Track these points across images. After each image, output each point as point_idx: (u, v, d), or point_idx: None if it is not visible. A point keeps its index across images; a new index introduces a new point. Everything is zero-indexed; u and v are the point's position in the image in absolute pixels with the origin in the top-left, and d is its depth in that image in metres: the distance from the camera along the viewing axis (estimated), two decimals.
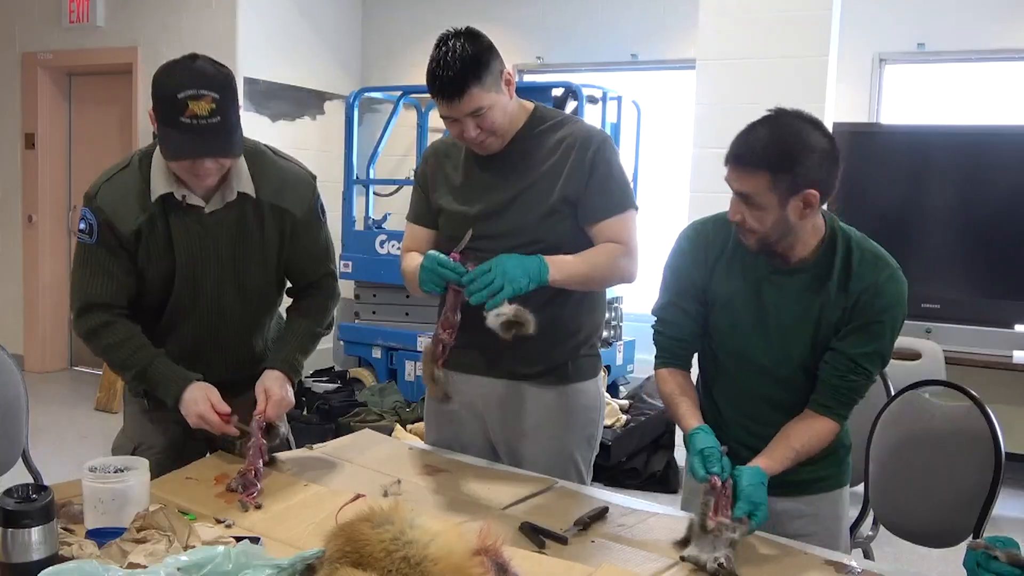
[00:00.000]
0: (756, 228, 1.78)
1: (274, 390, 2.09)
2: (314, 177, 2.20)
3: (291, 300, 2.30)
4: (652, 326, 2.03)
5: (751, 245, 1.83)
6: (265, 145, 2.17)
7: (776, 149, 1.72)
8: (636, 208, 2.16)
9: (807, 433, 1.83)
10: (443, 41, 2.00)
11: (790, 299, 1.85)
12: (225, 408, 2.03)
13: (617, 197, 2.11)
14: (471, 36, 2.01)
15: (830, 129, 4.42)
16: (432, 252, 2.01)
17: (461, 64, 1.96)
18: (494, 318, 1.91)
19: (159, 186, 2.01)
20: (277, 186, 2.10)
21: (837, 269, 1.83)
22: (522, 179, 2.11)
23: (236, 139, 1.96)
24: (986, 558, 1.45)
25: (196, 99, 1.86)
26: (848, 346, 1.82)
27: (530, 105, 2.19)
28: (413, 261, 2.14)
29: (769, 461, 1.77)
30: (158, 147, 1.99)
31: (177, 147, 1.93)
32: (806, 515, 1.91)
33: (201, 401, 2.02)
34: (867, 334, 1.81)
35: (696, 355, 2.03)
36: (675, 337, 1.98)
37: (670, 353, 1.99)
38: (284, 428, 2.32)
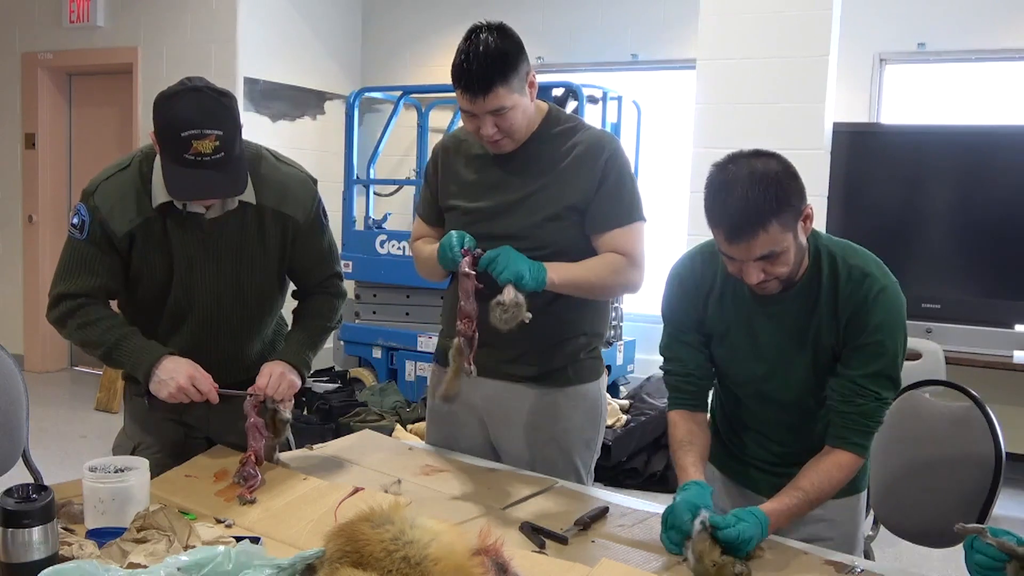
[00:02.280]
0: (783, 273, 1.73)
1: (276, 369, 2.08)
2: (315, 181, 2.19)
3: (297, 302, 2.30)
4: (661, 367, 2.00)
5: (774, 289, 1.77)
6: (266, 149, 2.16)
7: (765, 196, 1.65)
8: (644, 220, 2.14)
9: (817, 471, 1.76)
10: (474, 33, 1.98)
11: (783, 326, 1.83)
12: (208, 379, 2.00)
13: (626, 208, 2.11)
14: (502, 32, 1.99)
15: (831, 129, 4.42)
16: (455, 232, 2.02)
17: (490, 61, 1.94)
18: (494, 307, 1.90)
19: (160, 194, 2.00)
20: (278, 192, 2.10)
21: (824, 290, 1.79)
22: (532, 181, 2.11)
23: (240, 173, 1.96)
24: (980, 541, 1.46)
25: (200, 138, 1.86)
26: (849, 369, 1.78)
27: (544, 106, 2.18)
28: (427, 245, 2.18)
29: (771, 504, 1.72)
30: (162, 179, 1.97)
31: (182, 187, 1.93)
32: (822, 520, 1.87)
33: (182, 370, 1.98)
34: (866, 355, 1.76)
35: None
36: (683, 373, 1.94)
37: (681, 392, 1.95)
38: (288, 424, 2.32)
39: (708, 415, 1.98)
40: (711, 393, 2.04)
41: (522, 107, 2.03)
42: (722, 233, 1.70)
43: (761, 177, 1.66)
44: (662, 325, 2.00)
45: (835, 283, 1.78)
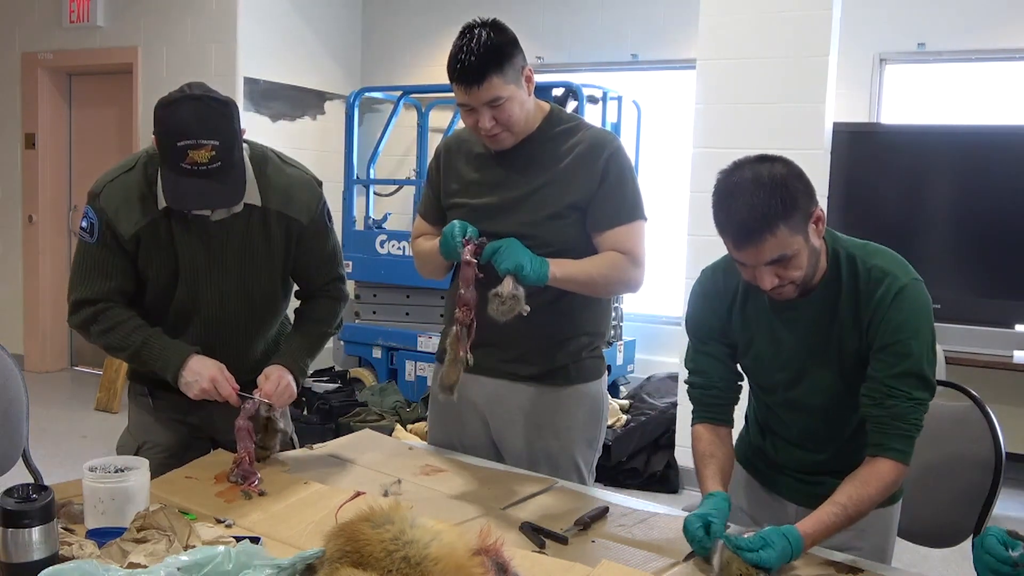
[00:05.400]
0: (797, 276, 1.71)
1: (284, 377, 2.09)
2: (320, 183, 2.20)
3: (300, 302, 2.31)
4: (685, 381, 1.98)
5: (791, 294, 1.75)
6: (272, 151, 2.16)
7: (770, 200, 1.64)
8: (645, 219, 2.15)
9: (855, 484, 1.70)
10: (468, 29, 2.01)
11: (804, 331, 1.81)
12: (234, 382, 2.03)
13: (627, 206, 2.11)
14: (497, 27, 2.02)
15: (831, 129, 4.40)
16: (457, 221, 2.03)
17: (484, 52, 1.97)
18: (492, 297, 1.91)
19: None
20: (283, 194, 2.10)
21: (844, 293, 1.76)
22: (533, 179, 2.11)
23: (238, 182, 1.97)
24: (995, 541, 1.47)
25: (196, 148, 1.86)
26: (877, 371, 1.73)
27: (546, 106, 2.19)
28: (428, 242, 2.19)
29: (808, 523, 1.65)
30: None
31: (178, 196, 1.94)
32: (853, 529, 1.77)
33: (206, 372, 2.01)
34: (890, 355, 1.72)
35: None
36: (706, 386, 1.92)
37: (704, 405, 1.92)
38: (289, 428, 2.33)
39: (731, 430, 1.94)
40: (748, 403, 2.03)
41: (519, 100, 2.05)
42: (730, 239, 1.69)
43: (767, 181, 1.65)
44: (688, 340, 1.98)
45: (855, 285, 1.76)
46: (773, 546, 1.57)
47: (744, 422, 2.08)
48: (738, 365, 1.95)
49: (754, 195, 1.64)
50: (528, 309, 1.91)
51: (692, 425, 1.94)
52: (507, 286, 1.90)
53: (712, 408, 1.92)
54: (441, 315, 2.35)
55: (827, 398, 1.84)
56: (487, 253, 1.96)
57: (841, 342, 1.78)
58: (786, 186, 1.66)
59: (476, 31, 1.99)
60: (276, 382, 2.06)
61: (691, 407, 1.96)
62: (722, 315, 1.90)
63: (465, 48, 1.98)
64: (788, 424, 1.92)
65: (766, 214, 1.63)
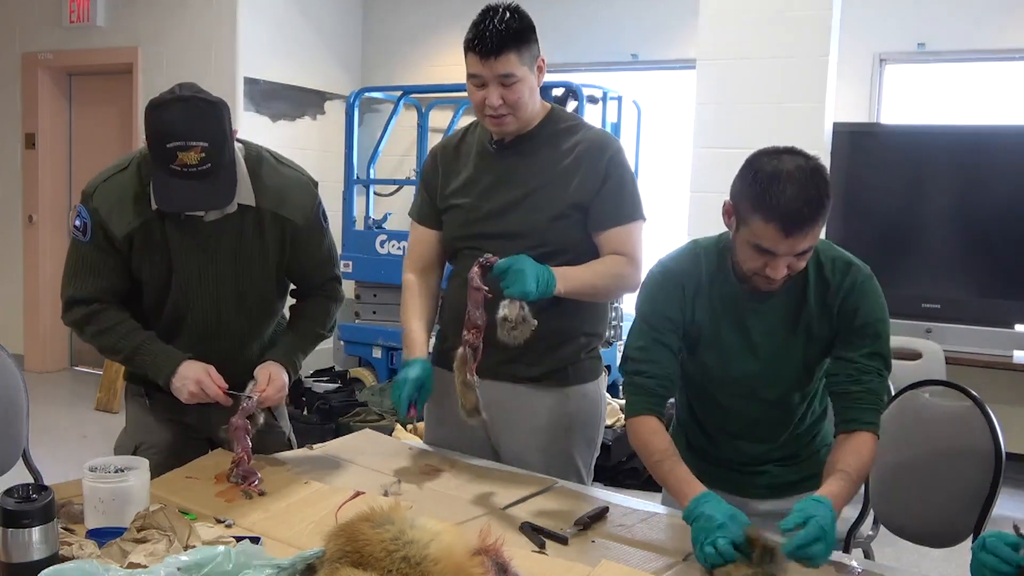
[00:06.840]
0: (801, 268, 1.73)
1: (279, 377, 2.08)
2: (316, 184, 2.19)
3: (295, 301, 2.30)
4: (627, 370, 1.91)
5: (778, 285, 1.76)
6: (267, 151, 2.16)
7: (823, 192, 1.65)
8: (644, 219, 2.16)
9: (848, 452, 1.74)
10: (490, 8, 2.04)
11: (775, 321, 1.84)
12: (222, 382, 2.03)
13: (627, 206, 2.12)
14: (520, 12, 2.06)
15: (831, 129, 4.39)
16: (407, 381, 2.08)
17: (507, 28, 2.01)
18: (501, 322, 1.89)
19: None
20: (278, 195, 2.10)
21: (812, 283, 1.81)
22: (533, 179, 2.11)
23: (227, 184, 1.96)
24: (996, 540, 1.47)
25: (184, 150, 1.86)
26: (848, 352, 1.80)
27: (548, 105, 2.20)
28: (411, 281, 2.27)
29: (827, 489, 1.67)
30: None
31: (167, 198, 1.93)
32: None
33: (192, 376, 2.01)
34: (862, 337, 1.80)
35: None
36: (657, 376, 1.87)
37: (654, 396, 1.86)
38: (287, 428, 2.33)
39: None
40: (676, 402, 2.04)
41: (529, 85, 2.06)
42: (778, 224, 1.65)
43: (813, 172, 1.67)
44: (632, 328, 1.94)
45: (821, 274, 1.81)
46: (821, 523, 1.54)
47: (676, 423, 2.08)
48: (689, 361, 1.94)
49: (808, 185, 1.65)
50: (536, 324, 1.91)
51: (637, 415, 1.87)
52: (514, 310, 1.88)
53: (660, 399, 1.88)
54: (440, 316, 2.35)
55: (788, 387, 1.88)
56: (497, 270, 1.93)
57: (810, 329, 1.83)
58: (827, 180, 1.69)
59: (500, 10, 2.02)
60: (267, 377, 2.07)
61: (632, 395, 1.89)
62: (685, 308, 1.88)
63: (488, 21, 2.01)
64: (743, 417, 1.93)
65: (819, 204, 1.66)
